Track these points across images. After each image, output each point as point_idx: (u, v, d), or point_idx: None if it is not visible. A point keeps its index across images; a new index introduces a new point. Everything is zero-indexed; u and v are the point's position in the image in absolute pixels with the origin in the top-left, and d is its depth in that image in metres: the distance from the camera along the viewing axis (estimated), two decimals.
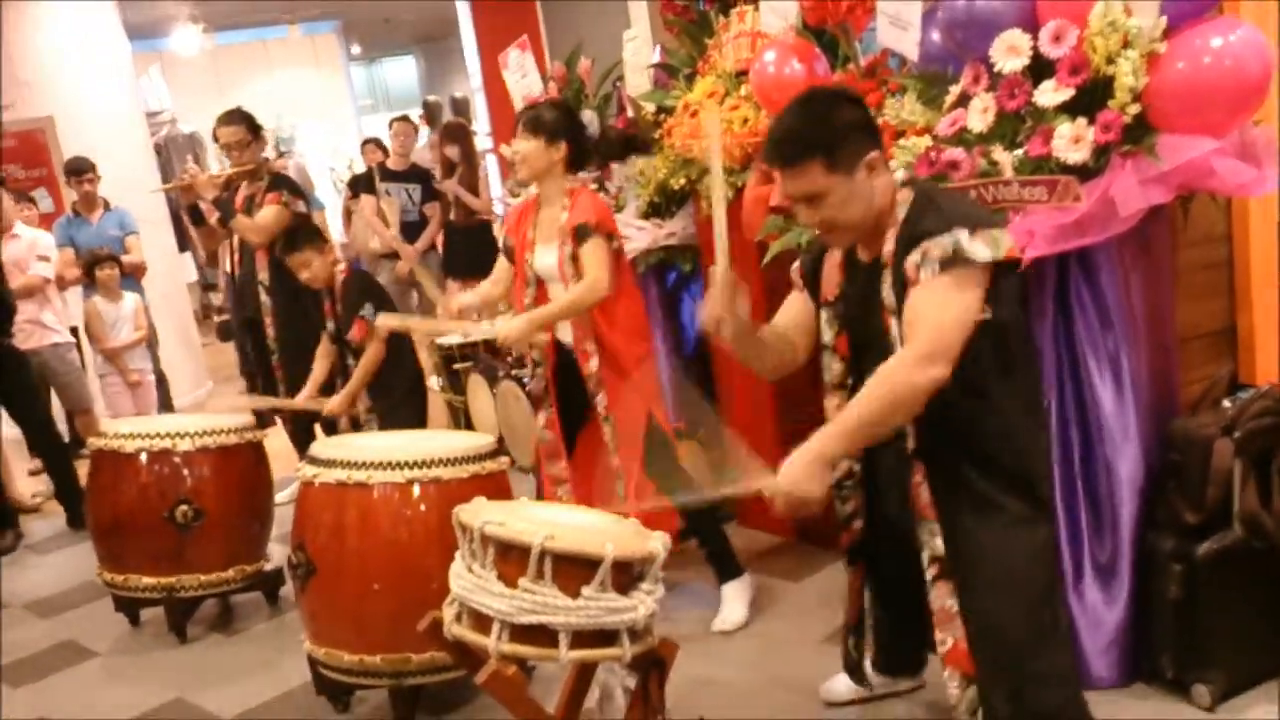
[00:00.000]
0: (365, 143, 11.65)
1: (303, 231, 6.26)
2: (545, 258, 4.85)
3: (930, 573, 3.10)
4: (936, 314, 2.84)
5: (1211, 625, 3.75)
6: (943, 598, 3.10)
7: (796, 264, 3.45)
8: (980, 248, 2.84)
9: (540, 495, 5.08)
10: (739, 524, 5.92)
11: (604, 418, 4.89)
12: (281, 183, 7.05)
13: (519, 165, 4.89)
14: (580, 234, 4.70)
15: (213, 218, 6.90)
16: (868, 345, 3.10)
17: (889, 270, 3.00)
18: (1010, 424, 3.03)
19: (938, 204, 2.99)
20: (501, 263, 5.11)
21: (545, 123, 4.78)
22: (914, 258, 2.89)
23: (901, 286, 2.95)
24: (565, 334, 4.91)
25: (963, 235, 2.84)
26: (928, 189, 3.11)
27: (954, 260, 2.83)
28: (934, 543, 3.07)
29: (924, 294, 2.87)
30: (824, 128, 2.98)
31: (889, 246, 3.00)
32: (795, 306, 3.40)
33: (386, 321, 5.56)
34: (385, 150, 11.39)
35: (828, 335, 3.23)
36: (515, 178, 5.22)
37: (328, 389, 6.32)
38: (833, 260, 3.21)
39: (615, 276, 4.75)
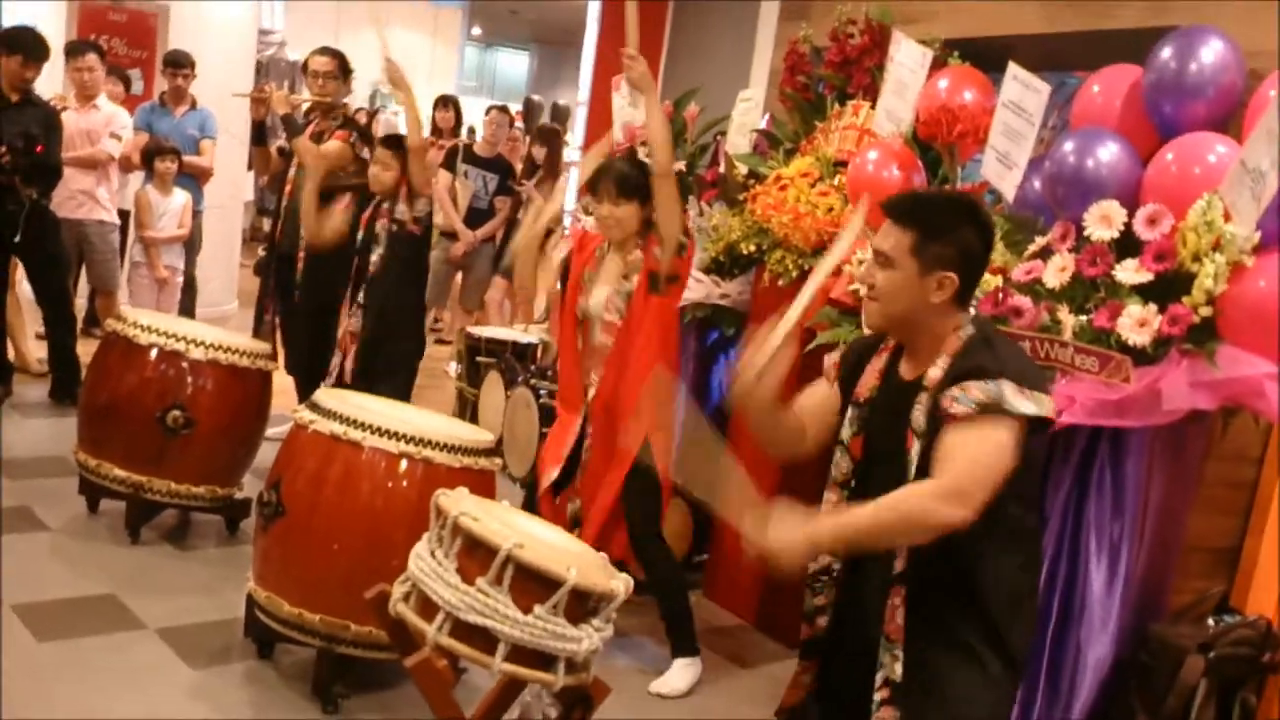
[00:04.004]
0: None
1: (399, 138, 6.29)
2: (598, 298, 4.92)
3: (879, 695, 3.04)
4: (972, 454, 2.78)
5: None
6: None
7: (834, 356, 3.40)
8: (1023, 402, 2.80)
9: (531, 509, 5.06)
10: (704, 594, 5.89)
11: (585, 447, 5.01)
12: (353, 126, 7.06)
13: (612, 228, 4.89)
14: (653, 281, 4.78)
15: (275, 142, 6.94)
16: (881, 455, 3.05)
17: (928, 394, 2.96)
18: (1004, 576, 2.98)
19: (993, 346, 2.95)
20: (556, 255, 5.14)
21: (635, 184, 4.81)
22: (954, 392, 2.85)
23: (935, 415, 2.91)
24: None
25: (1008, 387, 2.80)
26: (987, 329, 3.06)
27: (992, 407, 2.80)
28: (894, 666, 3.01)
29: (960, 434, 2.81)
30: (945, 222, 2.96)
31: (936, 373, 2.95)
32: (817, 397, 3.35)
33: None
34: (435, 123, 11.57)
35: (846, 432, 3.19)
36: (606, 238, 5.22)
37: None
38: (875, 365, 3.18)
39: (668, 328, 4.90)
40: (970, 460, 2.77)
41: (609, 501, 4.89)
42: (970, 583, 2.95)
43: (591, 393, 4.96)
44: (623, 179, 4.82)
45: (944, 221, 2.94)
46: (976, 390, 2.80)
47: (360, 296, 6.10)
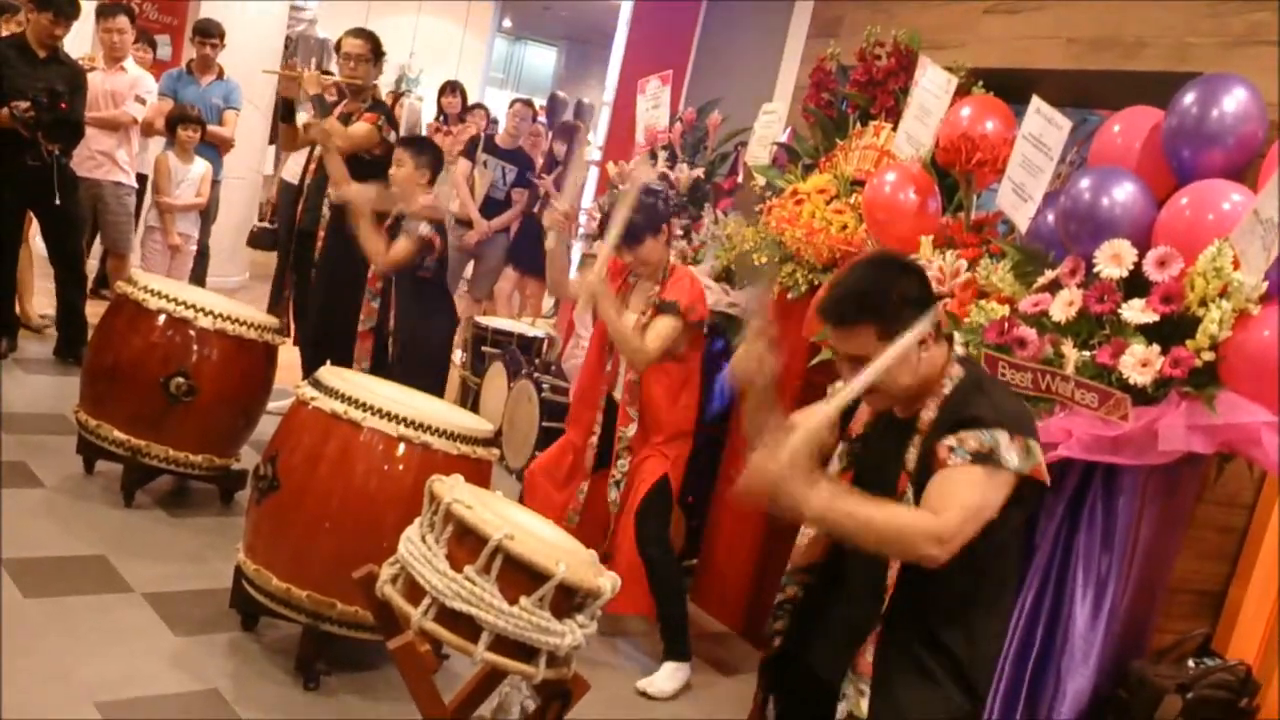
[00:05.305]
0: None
1: (423, 141, 6.40)
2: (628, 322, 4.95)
3: None
4: (966, 501, 2.79)
5: None
6: None
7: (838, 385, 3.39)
8: (1014, 456, 2.81)
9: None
10: (691, 600, 5.89)
11: (615, 481, 5.01)
12: (381, 109, 7.07)
13: (638, 268, 5.03)
14: (663, 307, 4.85)
15: (303, 117, 6.99)
16: (869, 489, 3.04)
17: (920, 436, 2.97)
18: (971, 614, 2.99)
19: (988, 393, 2.95)
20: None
21: (642, 227, 4.87)
22: (949, 441, 2.85)
23: (928, 460, 2.92)
24: (619, 391, 5.08)
25: (1003, 436, 2.81)
26: (978, 373, 3.07)
27: (986, 458, 2.81)
28: (858, 701, 3.01)
29: (958, 479, 2.82)
30: (883, 295, 2.94)
31: (929, 414, 2.95)
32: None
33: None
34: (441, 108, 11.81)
35: (835, 467, 3.20)
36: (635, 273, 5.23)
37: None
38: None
39: (691, 357, 5.02)
40: (964, 508, 2.78)
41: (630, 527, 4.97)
42: (937, 618, 2.97)
43: (633, 429, 5.01)
44: (630, 229, 4.82)
45: (880, 298, 2.93)
46: (972, 440, 2.82)
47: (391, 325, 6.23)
